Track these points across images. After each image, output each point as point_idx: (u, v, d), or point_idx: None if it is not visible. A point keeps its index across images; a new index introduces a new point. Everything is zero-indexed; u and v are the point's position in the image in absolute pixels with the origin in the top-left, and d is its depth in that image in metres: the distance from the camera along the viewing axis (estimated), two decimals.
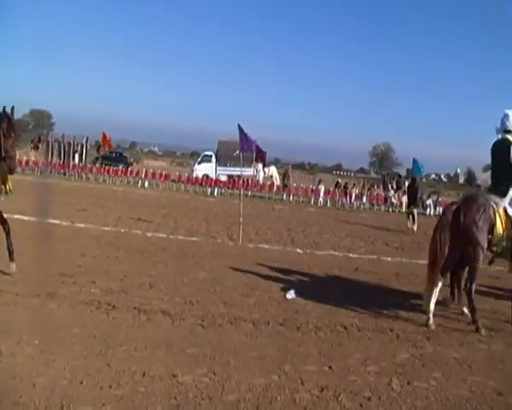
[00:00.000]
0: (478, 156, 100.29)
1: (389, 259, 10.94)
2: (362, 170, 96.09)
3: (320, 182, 30.54)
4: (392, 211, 27.93)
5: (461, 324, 6.17)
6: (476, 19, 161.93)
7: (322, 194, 28.54)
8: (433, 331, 5.81)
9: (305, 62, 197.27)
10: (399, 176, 24.63)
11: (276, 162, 51.54)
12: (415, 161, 20.67)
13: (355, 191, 30.17)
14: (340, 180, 35.30)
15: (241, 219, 11.48)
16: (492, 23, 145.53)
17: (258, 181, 28.58)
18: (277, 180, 30.33)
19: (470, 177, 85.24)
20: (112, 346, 4.51)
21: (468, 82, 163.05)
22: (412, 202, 18.25)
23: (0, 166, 6.14)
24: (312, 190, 29.18)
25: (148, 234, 6.61)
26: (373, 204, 28.99)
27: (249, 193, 26.43)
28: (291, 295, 6.82)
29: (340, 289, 7.54)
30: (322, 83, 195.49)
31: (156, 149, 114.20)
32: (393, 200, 29.29)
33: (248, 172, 25.21)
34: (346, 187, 31.07)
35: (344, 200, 29.07)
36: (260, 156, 17.03)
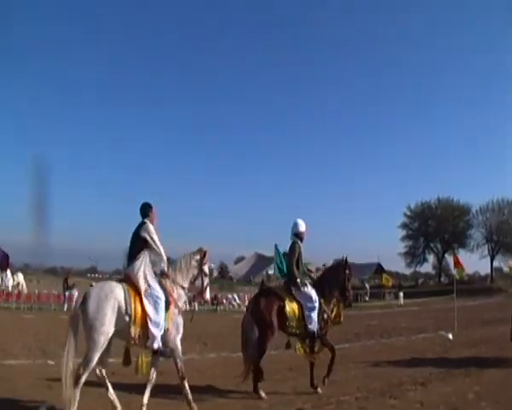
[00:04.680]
0: (228, 251, 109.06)
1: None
2: (118, 271, 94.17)
3: (74, 286, 29.53)
4: None
5: None
6: None
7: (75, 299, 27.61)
8: None
9: None
10: None
11: (26, 268, 47.04)
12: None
13: None
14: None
15: None
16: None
17: (4, 290, 26.03)
18: (24, 287, 28.26)
19: (223, 270, 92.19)
20: None
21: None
22: None
23: (335, 300, 8.79)
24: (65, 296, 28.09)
25: None
26: None
27: None
28: None
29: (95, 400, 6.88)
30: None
31: None
32: None
33: None
34: None
35: None
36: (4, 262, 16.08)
